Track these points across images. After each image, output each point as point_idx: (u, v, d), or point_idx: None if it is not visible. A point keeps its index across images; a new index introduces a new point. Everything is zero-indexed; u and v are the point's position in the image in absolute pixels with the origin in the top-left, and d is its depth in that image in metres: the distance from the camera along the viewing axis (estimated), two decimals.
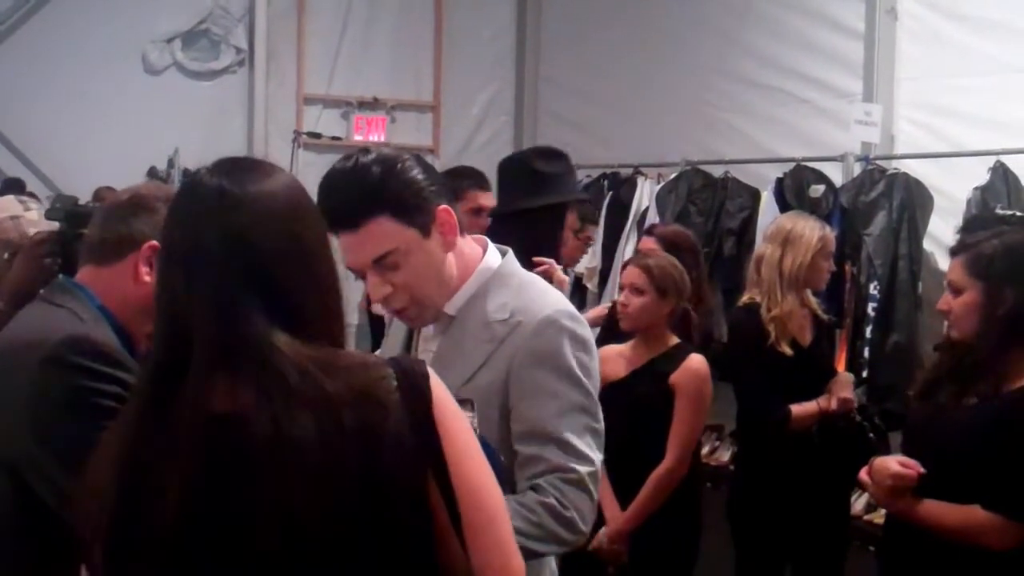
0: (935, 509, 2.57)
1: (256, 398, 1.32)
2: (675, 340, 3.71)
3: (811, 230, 3.96)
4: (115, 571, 1.38)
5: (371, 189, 1.89)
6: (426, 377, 1.42)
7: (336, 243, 1.87)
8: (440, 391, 1.43)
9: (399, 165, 1.93)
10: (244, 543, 1.31)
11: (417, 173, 1.95)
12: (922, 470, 2.57)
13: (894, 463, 2.62)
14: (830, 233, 4.04)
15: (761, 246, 4.13)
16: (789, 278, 3.89)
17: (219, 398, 1.33)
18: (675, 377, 3.61)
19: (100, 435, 1.45)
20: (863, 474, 2.73)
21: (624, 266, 3.75)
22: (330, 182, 1.93)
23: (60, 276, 2.07)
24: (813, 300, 4.06)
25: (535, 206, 3.39)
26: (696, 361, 3.66)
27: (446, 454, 1.39)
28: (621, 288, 3.73)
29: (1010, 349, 2.57)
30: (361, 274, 1.97)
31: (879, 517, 5.07)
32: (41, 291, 2.05)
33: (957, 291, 2.65)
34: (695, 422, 3.67)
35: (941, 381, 2.73)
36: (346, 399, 1.33)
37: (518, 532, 1.77)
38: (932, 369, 2.89)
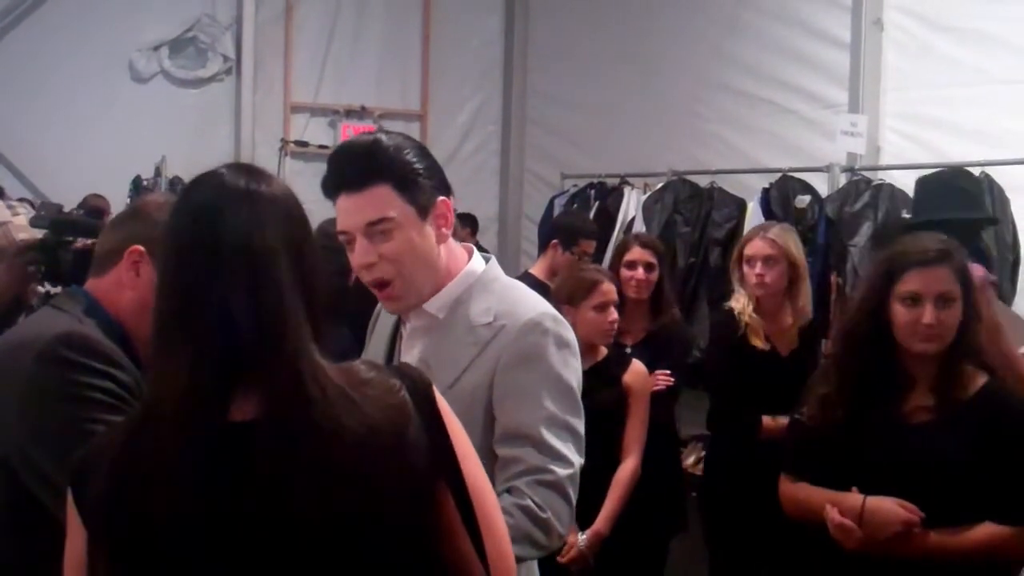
0: (951, 539, 2.44)
1: (302, 402, 1.34)
2: (605, 349, 3.79)
3: (745, 235, 4.18)
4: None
5: (381, 159, 1.96)
6: (430, 385, 1.47)
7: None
8: (441, 397, 1.48)
9: (412, 146, 2.02)
10: (280, 542, 1.33)
11: (427, 162, 2.02)
12: (922, 514, 2.43)
13: (899, 509, 2.44)
14: (755, 237, 4.07)
15: None
16: (732, 277, 4.12)
17: (271, 402, 1.35)
18: (627, 379, 3.74)
19: (91, 428, 1.45)
20: (838, 517, 2.50)
21: (598, 283, 3.74)
22: (344, 147, 2.05)
23: (72, 286, 2.08)
24: (792, 310, 4.06)
25: (967, 218, 3.55)
26: (638, 363, 3.81)
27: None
28: (604, 306, 3.71)
29: (958, 356, 2.52)
30: (351, 240, 1.99)
31: None
32: (53, 299, 2.07)
33: (949, 302, 2.50)
34: (647, 421, 3.77)
35: (859, 400, 2.56)
36: (371, 405, 1.38)
37: None
38: (839, 390, 2.61)
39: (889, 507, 2.45)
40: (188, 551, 1.33)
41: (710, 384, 4.20)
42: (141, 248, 1.96)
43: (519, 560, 1.95)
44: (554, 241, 4.88)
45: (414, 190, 1.97)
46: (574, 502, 1.98)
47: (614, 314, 3.70)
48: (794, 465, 2.72)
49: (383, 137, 2.01)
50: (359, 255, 1.97)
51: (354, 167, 1.97)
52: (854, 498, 2.50)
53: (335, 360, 1.43)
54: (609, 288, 3.73)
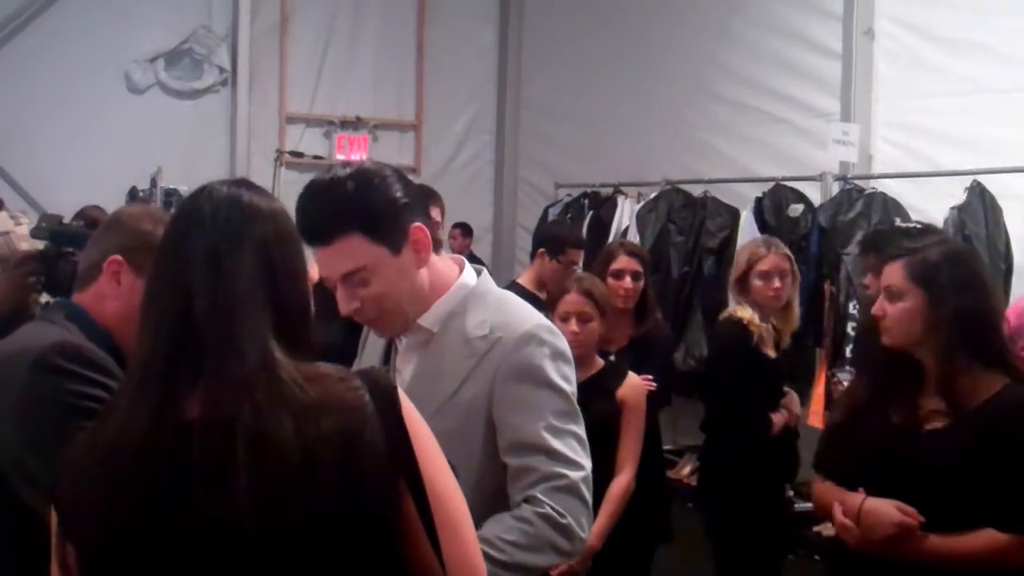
0: (950, 543, 2.43)
1: (246, 402, 1.35)
2: (601, 361, 3.73)
3: (746, 250, 4.20)
4: (94, 572, 1.40)
5: (345, 207, 1.91)
6: (394, 388, 1.47)
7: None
8: (406, 400, 1.48)
9: (375, 181, 1.95)
10: (223, 542, 1.34)
11: (394, 190, 1.97)
12: (921, 518, 2.44)
13: (895, 511, 2.45)
14: (769, 253, 4.09)
15: None
16: (731, 290, 4.18)
17: (215, 400, 1.37)
18: (622, 392, 3.67)
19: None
20: (840, 516, 2.55)
21: (563, 293, 3.64)
22: (307, 197, 1.95)
23: (60, 298, 2.10)
24: (775, 321, 4.12)
25: None
26: (634, 376, 3.75)
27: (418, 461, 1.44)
28: (566, 316, 3.60)
29: (955, 359, 2.50)
30: (334, 285, 2.01)
31: (828, 530, 5.13)
32: (42, 312, 2.09)
33: (895, 296, 2.54)
34: (642, 435, 3.73)
35: (880, 400, 2.60)
36: (325, 407, 1.38)
37: (516, 547, 1.81)
38: (863, 389, 2.72)
39: (885, 509, 2.46)
40: (141, 551, 1.35)
41: (719, 391, 4.21)
42: (120, 258, 1.99)
43: (543, 569, 1.97)
44: (541, 250, 4.89)
45: (383, 231, 1.94)
46: (591, 504, 1.98)
47: (573, 326, 3.56)
48: (823, 465, 2.77)
49: (343, 176, 1.94)
50: (342, 302, 1.99)
51: (319, 221, 1.92)
52: (855, 498, 2.54)
53: (321, 353, 1.46)
54: (573, 299, 3.59)
